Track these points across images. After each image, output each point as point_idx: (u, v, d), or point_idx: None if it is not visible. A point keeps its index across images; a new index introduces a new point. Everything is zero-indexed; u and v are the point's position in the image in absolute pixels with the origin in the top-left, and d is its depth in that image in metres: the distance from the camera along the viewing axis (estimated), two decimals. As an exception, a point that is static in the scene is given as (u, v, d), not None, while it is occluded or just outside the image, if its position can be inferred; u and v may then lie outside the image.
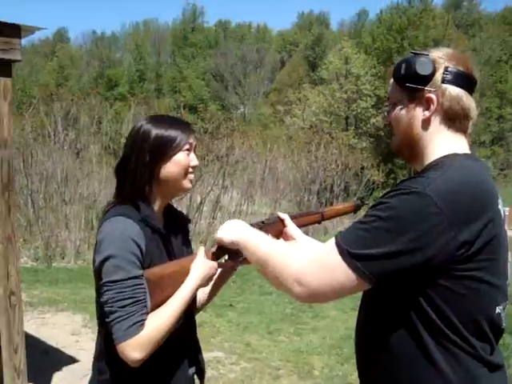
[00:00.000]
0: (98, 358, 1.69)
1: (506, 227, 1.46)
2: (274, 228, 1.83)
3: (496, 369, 1.39)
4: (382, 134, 29.45)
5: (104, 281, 1.54)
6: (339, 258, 1.30)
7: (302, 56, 52.32)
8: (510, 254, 1.44)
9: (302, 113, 29.12)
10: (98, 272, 1.58)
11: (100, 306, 1.61)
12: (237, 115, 47.04)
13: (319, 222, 1.96)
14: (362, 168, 17.66)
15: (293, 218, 1.88)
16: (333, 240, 1.35)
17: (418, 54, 1.43)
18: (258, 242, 1.56)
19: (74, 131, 12.10)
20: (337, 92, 28.97)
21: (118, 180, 1.72)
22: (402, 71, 1.43)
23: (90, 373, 1.76)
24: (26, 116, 11.75)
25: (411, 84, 1.41)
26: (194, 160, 1.72)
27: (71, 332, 5.68)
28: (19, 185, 10.32)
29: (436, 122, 1.42)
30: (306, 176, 15.93)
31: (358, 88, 28.51)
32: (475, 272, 1.28)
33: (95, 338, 5.43)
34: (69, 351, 5.09)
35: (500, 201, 1.40)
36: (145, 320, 1.54)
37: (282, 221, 1.85)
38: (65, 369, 4.66)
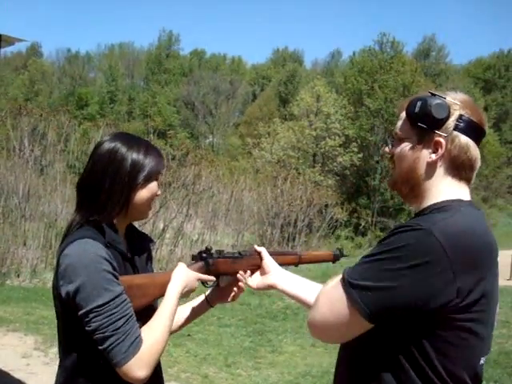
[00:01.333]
0: (64, 380, 1.60)
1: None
2: (251, 261, 1.83)
3: None
4: (348, 173, 29.88)
5: (89, 308, 1.45)
6: (341, 289, 1.30)
7: (274, 91, 52.95)
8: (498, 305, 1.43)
9: (270, 146, 29.33)
10: (69, 301, 1.49)
11: (66, 334, 1.56)
12: (205, 144, 47.17)
13: (296, 265, 1.94)
14: (326, 205, 17.81)
15: (269, 254, 1.86)
16: (340, 276, 1.34)
17: (435, 95, 1.40)
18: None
19: (39, 147, 11.88)
20: (306, 129, 29.31)
21: (81, 199, 1.65)
22: (417, 109, 1.40)
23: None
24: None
25: (423, 124, 1.39)
26: (158, 189, 1.71)
27: (22, 354, 5.47)
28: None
29: (441, 167, 1.41)
30: (270, 209, 15.97)
31: (328, 126, 28.93)
32: (470, 323, 1.27)
33: (47, 362, 5.24)
34: (18, 375, 4.88)
35: (498, 252, 1.39)
36: (140, 335, 1.50)
37: (258, 254, 1.84)
38: (12, 393, 4.48)
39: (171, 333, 1.92)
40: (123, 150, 1.63)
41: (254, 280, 1.84)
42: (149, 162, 1.64)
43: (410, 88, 29.69)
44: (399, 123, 1.49)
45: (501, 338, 8.19)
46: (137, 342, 1.48)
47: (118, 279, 1.52)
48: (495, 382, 5.56)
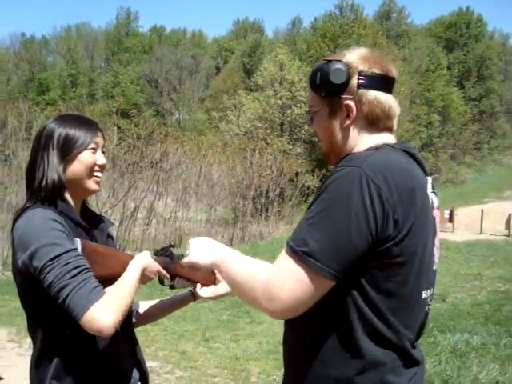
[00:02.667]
0: (36, 364, 1.57)
1: (437, 226, 1.47)
2: (207, 276, 1.79)
3: (414, 364, 1.40)
4: (316, 139, 29.95)
5: (43, 263, 1.41)
6: (296, 261, 1.25)
7: (238, 63, 52.48)
8: (437, 239, 1.45)
9: (237, 119, 29.18)
10: (27, 269, 1.45)
11: (30, 310, 1.55)
12: (171, 121, 46.67)
13: None
14: (297, 173, 17.85)
15: None
16: (286, 247, 1.29)
17: (330, 60, 1.39)
18: (231, 265, 1.45)
19: (1, 136, 11.62)
20: (272, 98, 29.20)
21: (28, 182, 1.64)
22: (318, 81, 1.40)
23: (15, 391, 1.64)
24: None
25: (328, 93, 1.40)
26: (100, 159, 1.67)
27: (-4, 347, 5.40)
28: None
29: (358, 126, 1.41)
30: (241, 182, 15.95)
31: (293, 94, 28.84)
32: (404, 256, 1.27)
33: (22, 353, 5.21)
34: (-8, 368, 4.83)
35: (429, 184, 1.41)
36: (101, 287, 1.46)
37: (213, 272, 1.78)
38: (-13, 386, 4.42)
39: (152, 320, 1.93)
40: (52, 126, 1.64)
41: (205, 292, 1.80)
42: (76, 133, 1.63)
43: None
44: (310, 97, 1.51)
45: (473, 290, 8.40)
46: (98, 289, 1.44)
47: (71, 240, 1.49)
48: (469, 332, 5.69)
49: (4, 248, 10.12)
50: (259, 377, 4.82)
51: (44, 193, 1.57)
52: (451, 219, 16.83)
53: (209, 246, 1.55)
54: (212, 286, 1.80)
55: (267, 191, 16.25)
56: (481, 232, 16.12)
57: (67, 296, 1.40)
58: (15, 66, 59.46)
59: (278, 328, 6.16)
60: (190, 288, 1.90)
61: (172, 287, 1.78)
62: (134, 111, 18.64)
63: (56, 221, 1.50)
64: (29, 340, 5.47)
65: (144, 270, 1.62)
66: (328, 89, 1.39)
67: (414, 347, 1.41)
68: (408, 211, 1.25)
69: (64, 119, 1.68)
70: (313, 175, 18.63)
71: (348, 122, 1.40)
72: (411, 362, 1.38)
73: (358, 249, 1.22)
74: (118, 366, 1.66)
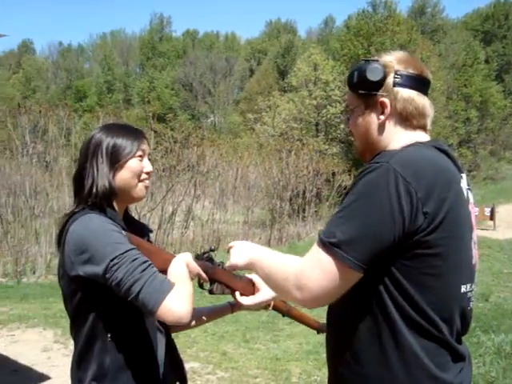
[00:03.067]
0: (77, 365, 1.62)
1: (474, 221, 1.47)
2: (246, 286, 1.82)
3: (459, 359, 1.39)
4: (352, 139, 29.59)
5: (107, 262, 1.46)
6: (325, 252, 1.30)
7: (272, 64, 52.50)
8: (475, 234, 1.46)
9: (272, 120, 29.18)
10: (86, 272, 1.50)
11: (75, 308, 1.58)
12: (207, 124, 47.01)
13: (282, 314, 1.96)
14: (333, 173, 17.74)
15: None
16: (317, 239, 1.36)
17: (368, 60, 1.46)
18: (264, 261, 1.55)
19: (42, 144, 11.88)
20: (306, 99, 29.10)
21: (76, 189, 1.70)
22: (355, 79, 1.48)
23: (62, 390, 1.70)
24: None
25: (364, 90, 1.46)
26: (147, 166, 1.72)
27: (42, 349, 5.54)
28: (-14, 200, 10.11)
29: (392, 124, 1.46)
30: (277, 183, 15.93)
31: (327, 94, 28.68)
32: (439, 248, 1.29)
33: (68, 354, 5.34)
34: (40, 368, 4.95)
35: (464, 181, 1.43)
36: (169, 279, 1.52)
37: (250, 280, 1.83)
38: (36, 387, 4.54)
39: (188, 328, 1.95)
40: (99, 135, 1.68)
41: (245, 300, 1.82)
42: (124, 142, 1.68)
43: (408, 47, 29.31)
44: (347, 97, 1.58)
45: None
46: (168, 281, 1.50)
47: (125, 238, 1.55)
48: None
49: (47, 252, 10.35)
50: (300, 377, 4.82)
51: (94, 199, 1.62)
52: (492, 217, 16.48)
53: (245, 248, 1.66)
54: (251, 296, 1.83)
55: (304, 192, 16.20)
56: (522, 231, 15.74)
57: (140, 290, 1.45)
58: (53, 75, 60.87)
59: (318, 328, 6.15)
60: (230, 300, 1.95)
61: (211, 292, 1.80)
62: (170, 115, 18.80)
63: (112, 224, 1.56)
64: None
65: (186, 267, 1.65)
66: (364, 86, 1.45)
67: (459, 342, 1.41)
68: (440, 203, 1.28)
69: (110, 128, 1.73)
70: (349, 175, 18.48)
71: (383, 118, 1.46)
72: (457, 356, 1.38)
73: (384, 241, 1.26)
74: (157, 368, 1.69)
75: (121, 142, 1.67)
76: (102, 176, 1.63)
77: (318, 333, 1.98)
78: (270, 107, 30.48)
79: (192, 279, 1.69)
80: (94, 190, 1.62)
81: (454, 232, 1.32)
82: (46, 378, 4.72)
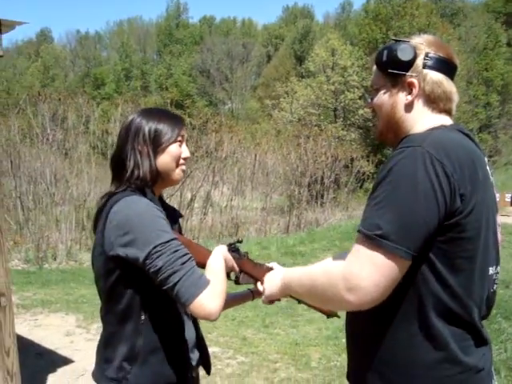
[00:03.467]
0: (104, 344, 1.66)
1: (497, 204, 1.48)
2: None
3: (483, 343, 1.40)
4: (371, 124, 29.45)
5: (151, 248, 1.48)
6: (370, 246, 1.26)
7: (289, 50, 52.14)
8: (498, 217, 1.46)
9: (290, 106, 29.05)
10: (126, 254, 1.51)
11: (111, 288, 1.59)
12: (224, 110, 46.96)
13: (298, 301, 1.91)
14: (352, 159, 17.62)
15: None
16: (357, 236, 1.31)
17: (399, 40, 1.45)
18: (298, 277, 1.53)
19: (61, 131, 11.98)
20: (324, 84, 28.91)
21: (115, 171, 1.72)
22: (384, 58, 1.46)
23: (85, 373, 1.73)
24: (12, 117, 11.62)
25: (393, 70, 1.44)
26: (185, 151, 1.75)
27: (65, 333, 5.62)
28: (7, 187, 10.23)
29: (419, 105, 1.45)
30: (295, 169, 15.88)
31: (345, 79, 28.47)
32: (472, 231, 1.28)
33: (90, 338, 5.40)
34: (63, 352, 5.03)
35: (487, 163, 1.43)
36: (206, 275, 1.54)
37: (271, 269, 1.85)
38: (59, 370, 4.61)
39: None
40: (139, 119, 1.70)
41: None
42: (165, 127, 1.70)
43: (427, 31, 28.90)
44: (373, 76, 1.55)
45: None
46: (204, 277, 1.52)
47: (169, 225, 1.57)
48: None
49: (67, 239, 10.47)
50: (320, 362, 4.83)
51: (137, 182, 1.64)
52: (513, 203, 16.27)
53: (275, 275, 1.68)
54: None
55: (322, 178, 16.13)
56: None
57: (178, 282, 1.47)
58: (71, 63, 61.18)
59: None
60: (250, 287, 1.98)
61: (237, 282, 1.83)
62: (188, 102, 18.79)
63: (158, 208, 1.57)
64: (96, 326, 5.70)
65: (224, 262, 1.69)
66: (394, 66, 1.44)
67: (482, 326, 1.41)
68: (472, 185, 1.27)
69: (151, 113, 1.74)
70: (368, 161, 18.36)
71: (410, 98, 1.45)
72: (481, 340, 1.38)
73: (430, 225, 1.24)
74: (186, 351, 1.73)
75: (162, 126, 1.69)
76: (145, 159, 1.66)
77: (328, 317, 1.99)
78: (288, 93, 30.34)
79: (228, 273, 1.72)
80: (137, 173, 1.65)
81: (483, 214, 1.31)
82: (70, 361, 4.80)
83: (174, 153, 1.70)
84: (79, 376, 4.45)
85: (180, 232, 1.89)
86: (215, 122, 13.81)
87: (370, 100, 1.56)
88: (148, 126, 1.68)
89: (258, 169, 15.38)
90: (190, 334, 1.75)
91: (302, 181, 15.66)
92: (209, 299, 1.48)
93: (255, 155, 15.30)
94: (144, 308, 1.59)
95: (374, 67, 1.53)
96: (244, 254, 1.82)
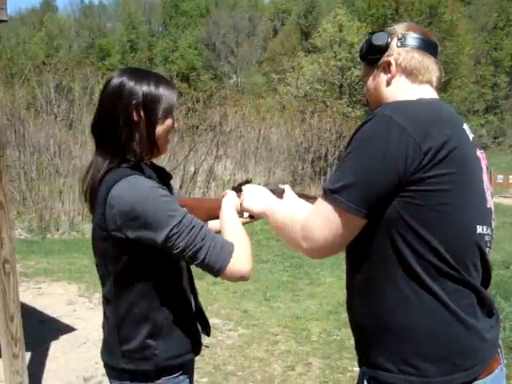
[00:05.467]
0: (118, 325, 1.59)
1: (491, 187, 1.49)
2: (280, 198, 1.86)
3: (486, 304, 1.39)
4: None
5: (167, 231, 1.44)
6: (326, 201, 1.34)
7: (295, 24, 51.54)
8: (486, 178, 1.46)
9: (296, 81, 28.82)
10: (137, 238, 1.47)
11: (123, 268, 1.54)
12: (229, 84, 46.61)
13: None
14: (357, 136, 17.55)
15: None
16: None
17: (374, 32, 1.58)
18: (276, 211, 1.61)
19: (66, 102, 11.92)
20: (331, 60, 28.63)
21: (100, 142, 1.59)
22: (364, 49, 1.60)
23: (87, 341, 1.72)
24: (16, 87, 11.56)
25: (372, 56, 1.56)
26: (175, 121, 1.66)
27: (67, 302, 5.68)
28: (11, 158, 10.22)
29: (400, 80, 1.52)
30: (299, 145, 15.83)
31: (353, 56, 28.16)
32: (443, 185, 1.28)
33: (92, 307, 5.43)
34: (65, 320, 5.09)
35: (466, 125, 1.44)
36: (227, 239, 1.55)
37: (283, 191, 1.89)
38: (62, 337, 4.67)
39: None
40: (131, 83, 1.55)
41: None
42: (162, 93, 1.58)
43: (438, 8, 28.54)
44: (362, 71, 1.68)
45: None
46: (228, 243, 1.51)
47: (175, 201, 1.54)
48: None
49: (70, 210, 10.50)
50: (320, 336, 4.87)
51: (135, 157, 1.56)
52: (514, 184, 16.23)
53: (260, 196, 1.75)
54: None
55: (326, 154, 16.09)
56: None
57: (204, 258, 1.48)
58: (76, 33, 60.62)
59: (338, 289, 6.19)
60: None
61: (252, 218, 1.89)
62: (194, 75, 18.63)
63: (161, 187, 1.51)
64: (97, 295, 5.75)
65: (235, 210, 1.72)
66: (372, 52, 1.56)
67: (485, 288, 1.41)
68: (442, 140, 1.27)
69: (143, 75, 1.59)
70: (372, 138, 18.27)
71: (389, 76, 1.53)
72: (482, 300, 1.37)
73: (381, 184, 1.27)
74: (195, 323, 1.75)
75: (160, 93, 1.57)
76: (142, 130, 1.55)
77: None
78: (294, 68, 30.07)
79: (241, 214, 1.77)
80: (133, 146, 1.56)
81: (461, 169, 1.31)
82: (72, 329, 4.86)
83: (170, 124, 1.61)
84: (81, 344, 4.50)
85: (172, 191, 1.82)
86: (220, 96, 13.73)
87: (366, 92, 1.64)
88: (143, 91, 1.54)
89: (261, 144, 15.34)
90: (193, 304, 1.77)
91: (305, 157, 15.63)
92: (238, 263, 1.49)
93: (259, 130, 15.25)
94: (156, 288, 1.57)
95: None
96: None
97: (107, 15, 68.61)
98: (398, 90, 1.52)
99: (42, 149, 11.03)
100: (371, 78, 1.58)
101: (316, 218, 1.37)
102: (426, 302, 1.30)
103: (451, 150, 1.28)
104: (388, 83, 1.53)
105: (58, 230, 9.99)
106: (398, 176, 1.26)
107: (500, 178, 17.12)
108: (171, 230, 1.44)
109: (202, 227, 1.50)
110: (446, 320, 1.30)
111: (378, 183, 1.27)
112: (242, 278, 1.52)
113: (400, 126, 1.27)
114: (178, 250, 1.46)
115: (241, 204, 1.76)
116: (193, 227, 1.48)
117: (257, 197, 1.74)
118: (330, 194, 1.32)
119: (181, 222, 1.46)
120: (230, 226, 1.61)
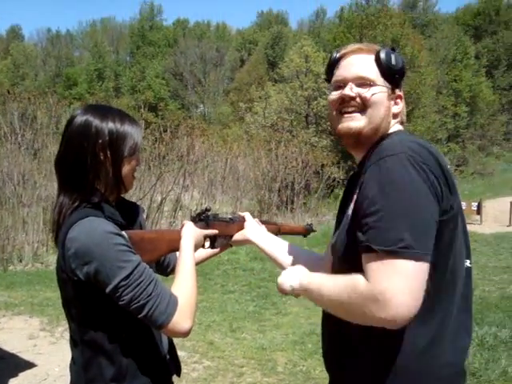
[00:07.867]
0: (84, 368, 1.57)
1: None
2: (241, 226, 1.92)
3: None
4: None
5: (115, 283, 1.43)
6: (396, 260, 1.21)
7: (262, 55, 52.30)
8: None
9: (263, 110, 29.10)
10: (90, 282, 1.45)
11: (84, 314, 1.54)
12: (197, 114, 46.81)
13: (276, 234, 2.00)
14: (323, 165, 17.75)
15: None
16: (369, 256, 1.26)
17: (394, 48, 1.51)
18: (320, 289, 1.40)
19: (31, 131, 11.78)
20: (298, 90, 29.05)
21: (65, 180, 1.57)
22: (393, 62, 1.45)
23: (48, 377, 1.68)
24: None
25: (395, 77, 1.48)
26: (139, 158, 1.67)
27: (28, 336, 5.52)
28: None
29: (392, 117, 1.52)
30: (266, 174, 15.93)
31: (318, 86, 28.64)
32: (453, 224, 1.34)
33: (54, 342, 5.28)
34: (26, 356, 4.94)
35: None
36: (173, 293, 1.52)
37: (243, 218, 1.94)
38: (21, 374, 4.52)
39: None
40: (96, 121, 1.54)
41: (238, 236, 1.92)
42: (128, 131, 1.57)
43: (400, 41, 29.30)
44: (364, 67, 1.48)
45: (502, 283, 8.29)
46: (173, 300, 1.50)
47: (131, 249, 1.49)
48: (497, 325, 5.63)
49: (34, 241, 10.30)
50: (286, 367, 4.85)
51: (98, 196, 1.54)
52: (479, 211, 16.56)
53: (294, 273, 1.50)
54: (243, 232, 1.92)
55: (293, 183, 16.20)
56: (510, 224, 15.83)
57: (147, 313, 1.46)
58: (42, 62, 60.22)
59: (304, 319, 6.19)
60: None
61: (213, 247, 1.90)
62: (162, 104, 18.66)
63: (116, 233, 1.47)
64: (60, 329, 5.61)
65: (195, 243, 1.72)
66: (399, 74, 1.48)
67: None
68: (450, 180, 1.31)
69: (107, 112, 1.58)
70: (338, 167, 18.51)
71: (396, 110, 1.51)
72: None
73: (435, 221, 1.28)
74: (165, 362, 1.72)
75: (126, 131, 1.57)
76: (109, 169, 1.55)
77: (305, 236, 2.13)
78: (261, 97, 30.40)
79: (203, 246, 1.80)
80: (98, 185, 1.55)
81: (460, 208, 1.38)
82: (32, 365, 4.71)
83: (134, 162, 1.60)
84: (41, 380, 4.37)
85: (141, 226, 1.81)
86: (187, 126, 13.78)
87: (356, 87, 1.47)
88: (109, 129, 1.53)
89: (228, 173, 15.39)
90: (164, 343, 1.74)
91: (272, 186, 15.71)
92: (180, 322, 1.48)
93: (226, 159, 15.31)
94: (123, 328, 1.55)
95: (368, 59, 1.48)
96: (211, 219, 1.84)
97: (74, 44, 68.45)
98: (392, 125, 1.51)
99: (5, 178, 10.84)
100: (385, 96, 1.46)
101: (393, 282, 1.20)
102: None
103: (454, 195, 1.33)
104: (393, 116, 1.50)
105: (20, 261, 9.76)
106: (439, 214, 1.28)
107: (463, 205, 17.47)
108: (119, 282, 1.43)
109: (150, 282, 1.48)
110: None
111: (434, 223, 1.27)
112: (183, 335, 1.51)
113: (427, 166, 1.26)
114: (123, 302, 1.45)
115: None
116: (141, 282, 1.46)
117: (291, 270, 1.52)
118: (402, 252, 1.20)
119: (130, 274, 1.44)
120: (183, 266, 1.61)
